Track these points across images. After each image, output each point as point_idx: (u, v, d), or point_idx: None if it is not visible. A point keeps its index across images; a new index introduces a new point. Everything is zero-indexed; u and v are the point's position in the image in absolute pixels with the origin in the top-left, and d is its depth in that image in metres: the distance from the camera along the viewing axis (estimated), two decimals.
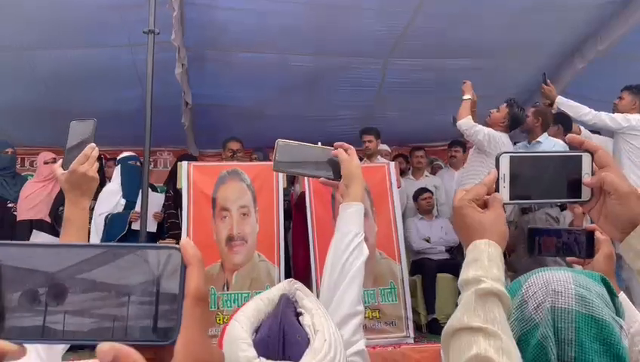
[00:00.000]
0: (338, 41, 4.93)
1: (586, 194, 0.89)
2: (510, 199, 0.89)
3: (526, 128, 4.40)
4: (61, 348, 1.14)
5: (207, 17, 4.55)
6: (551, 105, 4.34)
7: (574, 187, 0.90)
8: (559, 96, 4.27)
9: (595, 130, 4.61)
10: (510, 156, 0.90)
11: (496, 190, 0.88)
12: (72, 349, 2.73)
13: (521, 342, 0.75)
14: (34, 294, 0.47)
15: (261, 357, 0.80)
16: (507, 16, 4.63)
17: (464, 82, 4.30)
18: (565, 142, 3.85)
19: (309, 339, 0.84)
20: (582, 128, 4.55)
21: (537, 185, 0.91)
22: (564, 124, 4.45)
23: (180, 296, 0.48)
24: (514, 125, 4.24)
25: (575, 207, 3.79)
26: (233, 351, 0.80)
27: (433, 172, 6.11)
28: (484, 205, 0.86)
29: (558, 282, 0.75)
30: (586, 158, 0.89)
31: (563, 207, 4.33)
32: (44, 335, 0.47)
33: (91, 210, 4.27)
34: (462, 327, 0.73)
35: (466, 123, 4.11)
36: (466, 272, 0.79)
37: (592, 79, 5.35)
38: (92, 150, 1.26)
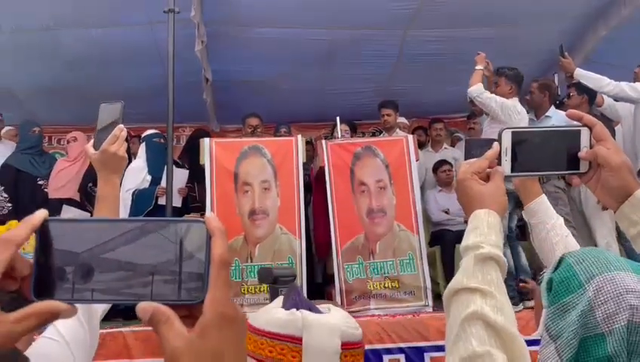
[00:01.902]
0: (356, 14, 4.90)
1: (584, 166, 0.94)
2: (512, 172, 0.95)
3: (533, 104, 4.37)
4: (99, 314, 1.23)
5: None
6: (570, 77, 4.28)
7: (573, 160, 0.95)
8: (578, 68, 4.20)
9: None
10: (512, 131, 0.95)
11: (499, 163, 0.94)
12: (106, 319, 2.86)
13: (581, 346, 0.77)
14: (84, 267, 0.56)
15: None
16: None
17: (478, 54, 4.31)
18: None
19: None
20: (605, 97, 4.47)
21: (538, 158, 0.96)
22: (588, 93, 4.37)
23: (206, 262, 0.56)
24: (519, 83, 4.22)
25: (574, 178, 3.81)
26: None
27: (453, 144, 6.09)
28: (487, 178, 0.92)
29: (633, 293, 0.75)
30: (585, 132, 0.94)
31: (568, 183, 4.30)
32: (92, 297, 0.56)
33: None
34: (461, 288, 0.81)
35: (476, 89, 4.13)
36: (467, 239, 0.86)
37: (618, 45, 5.23)
38: (121, 131, 1.34)
